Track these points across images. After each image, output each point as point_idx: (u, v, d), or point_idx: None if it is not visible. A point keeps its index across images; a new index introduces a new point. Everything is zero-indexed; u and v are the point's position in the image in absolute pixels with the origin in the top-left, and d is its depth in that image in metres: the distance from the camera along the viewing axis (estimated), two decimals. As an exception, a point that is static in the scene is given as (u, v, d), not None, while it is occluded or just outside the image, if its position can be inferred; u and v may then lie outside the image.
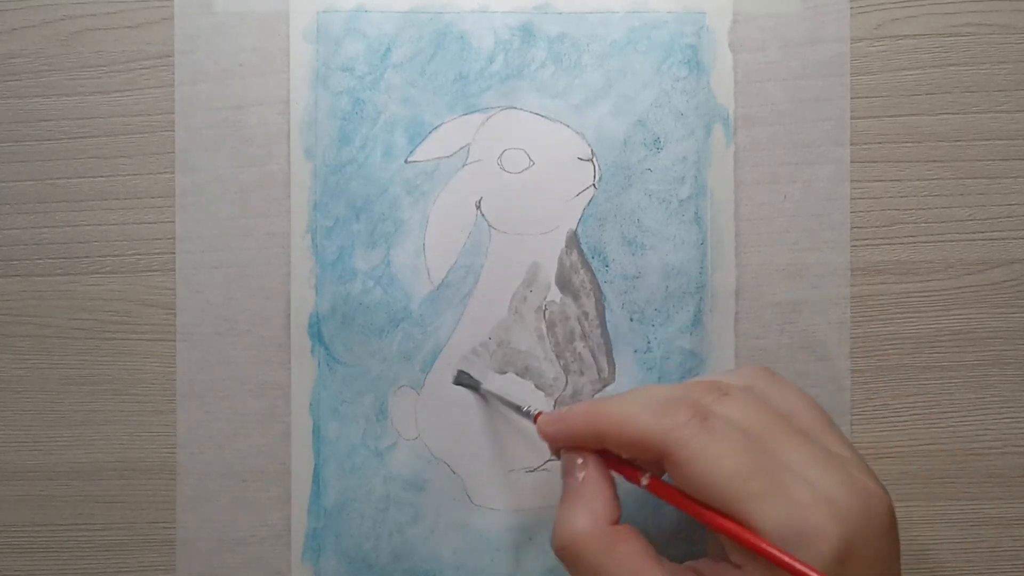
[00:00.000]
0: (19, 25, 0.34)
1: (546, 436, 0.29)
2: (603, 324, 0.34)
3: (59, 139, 0.34)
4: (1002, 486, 0.35)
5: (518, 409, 0.32)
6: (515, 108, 0.34)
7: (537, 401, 0.34)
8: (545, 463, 0.34)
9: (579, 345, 0.34)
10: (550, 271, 0.34)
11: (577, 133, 0.34)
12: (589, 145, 0.34)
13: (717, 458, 0.25)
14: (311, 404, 0.34)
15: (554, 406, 0.34)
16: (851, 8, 0.34)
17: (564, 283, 0.34)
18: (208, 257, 0.34)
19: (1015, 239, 0.35)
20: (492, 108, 0.34)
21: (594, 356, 0.34)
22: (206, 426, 0.34)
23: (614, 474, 0.28)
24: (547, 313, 0.34)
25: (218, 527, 0.34)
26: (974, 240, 0.35)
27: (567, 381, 0.34)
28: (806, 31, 0.34)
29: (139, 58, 0.34)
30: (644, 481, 0.28)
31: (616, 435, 0.27)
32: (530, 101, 0.34)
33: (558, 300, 0.34)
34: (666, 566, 0.27)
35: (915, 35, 0.34)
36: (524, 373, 0.34)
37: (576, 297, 0.34)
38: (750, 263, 0.34)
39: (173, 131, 0.34)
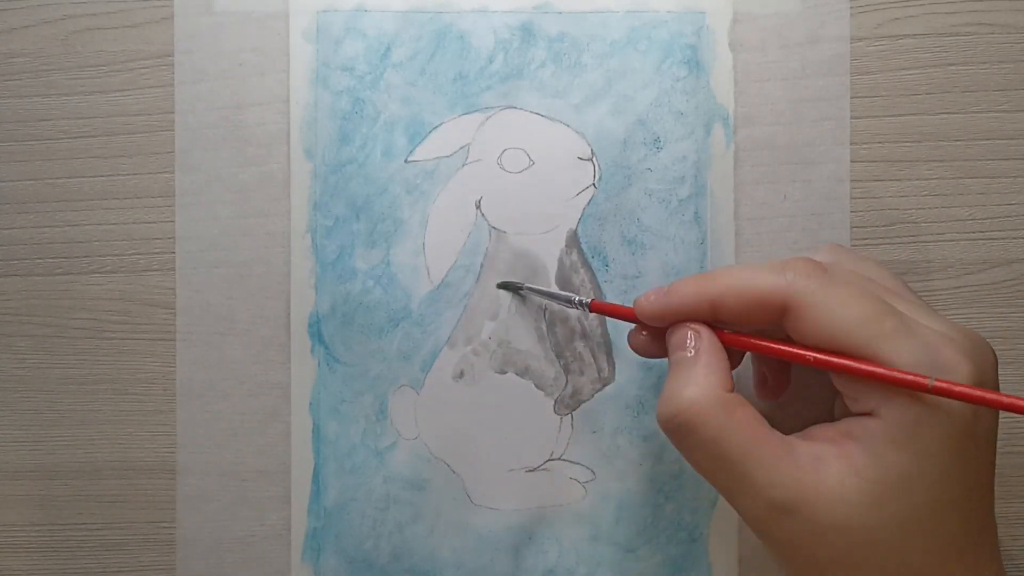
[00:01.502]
0: (19, 25, 0.34)
1: (649, 314, 0.28)
2: (603, 323, 0.34)
3: (59, 139, 0.34)
4: (1002, 486, 0.34)
5: (568, 301, 0.31)
6: (515, 108, 0.34)
7: (535, 402, 0.34)
8: (545, 463, 0.34)
9: (579, 345, 0.34)
10: (550, 271, 0.34)
11: (577, 133, 0.34)
12: (589, 145, 0.34)
13: (846, 302, 0.25)
14: (311, 404, 0.34)
15: (554, 406, 0.34)
16: (851, 8, 0.34)
17: (564, 283, 0.34)
18: (208, 257, 0.34)
19: (1015, 239, 0.35)
20: (492, 108, 0.34)
21: (594, 356, 0.34)
22: (206, 426, 0.34)
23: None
24: (547, 313, 0.34)
25: (218, 527, 0.34)
26: (974, 240, 0.35)
27: (567, 381, 0.34)
28: (806, 31, 0.34)
29: (139, 58, 0.34)
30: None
31: (735, 297, 0.26)
32: (530, 101, 0.34)
33: (558, 300, 0.34)
34: (780, 436, 0.26)
35: (915, 35, 0.34)
36: (524, 373, 0.34)
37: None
38: (750, 263, 0.34)
39: (173, 131, 0.34)
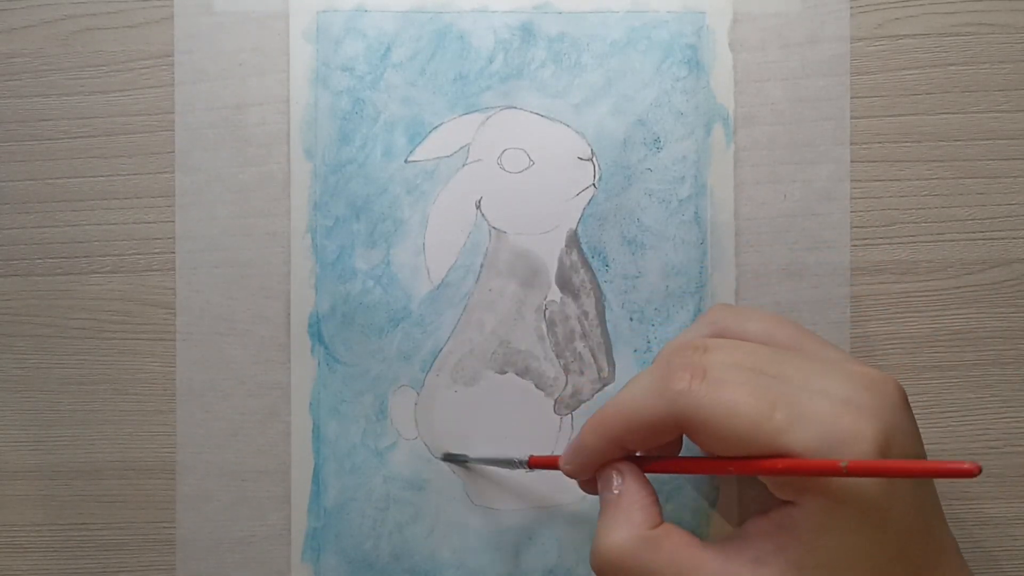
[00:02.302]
0: (19, 25, 0.34)
1: (573, 472, 0.29)
2: (603, 324, 0.34)
3: (59, 139, 0.34)
4: (1002, 486, 0.35)
5: (508, 463, 0.32)
6: (515, 108, 0.34)
7: (534, 402, 0.34)
8: (545, 463, 0.34)
9: (579, 345, 0.34)
10: (550, 271, 0.34)
11: (577, 133, 0.34)
12: (589, 145, 0.34)
13: (733, 406, 0.25)
14: (311, 404, 0.34)
15: (554, 406, 0.34)
16: (851, 8, 0.34)
17: (564, 283, 0.34)
18: (208, 257, 0.34)
19: (1015, 239, 0.35)
20: (492, 108, 0.34)
21: (594, 356, 0.34)
22: (206, 426, 0.34)
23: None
24: (547, 313, 0.34)
25: (218, 527, 0.34)
26: (974, 240, 0.35)
27: (567, 381, 0.34)
28: (806, 31, 0.34)
29: (139, 58, 0.34)
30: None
31: (628, 431, 0.26)
32: (530, 101, 0.34)
33: (558, 300, 0.34)
34: (715, 548, 0.26)
35: (915, 35, 0.34)
36: (524, 373, 0.34)
37: (576, 297, 0.34)
38: (750, 263, 0.34)
39: (173, 131, 0.34)
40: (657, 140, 0.34)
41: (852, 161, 0.34)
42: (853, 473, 0.23)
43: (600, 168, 0.34)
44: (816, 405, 0.25)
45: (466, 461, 0.33)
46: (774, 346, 0.27)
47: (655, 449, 0.29)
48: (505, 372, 0.34)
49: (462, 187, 0.34)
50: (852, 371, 0.26)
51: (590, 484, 0.29)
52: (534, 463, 0.31)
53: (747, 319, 0.29)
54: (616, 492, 0.27)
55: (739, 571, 0.25)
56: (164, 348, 0.34)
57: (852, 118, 0.34)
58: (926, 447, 0.26)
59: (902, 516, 0.25)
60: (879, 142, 0.34)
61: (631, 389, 0.27)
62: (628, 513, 0.26)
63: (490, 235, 0.34)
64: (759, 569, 0.25)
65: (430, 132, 0.34)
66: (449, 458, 0.34)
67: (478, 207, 0.34)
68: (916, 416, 0.27)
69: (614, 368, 0.34)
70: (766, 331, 0.28)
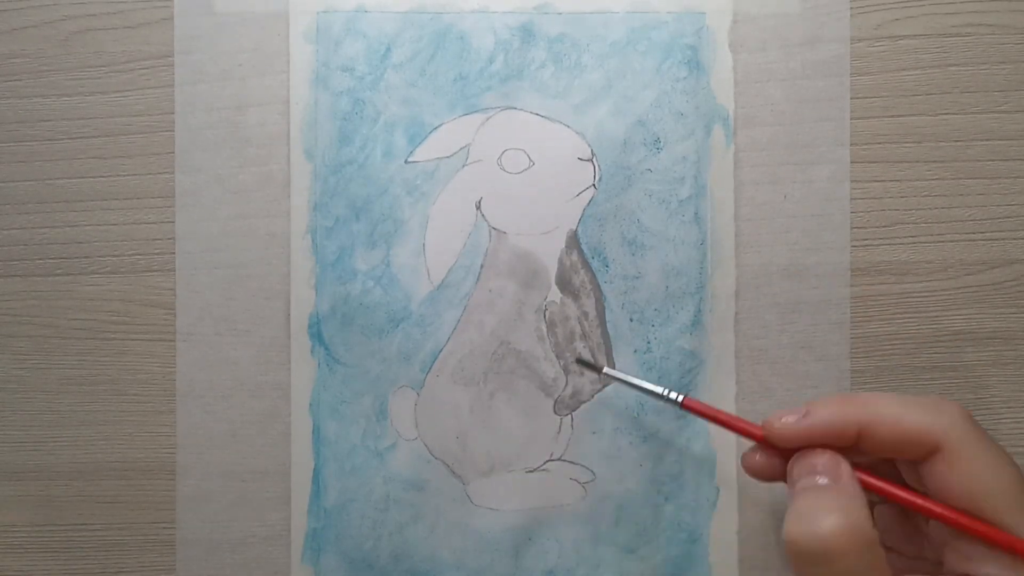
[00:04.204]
0: (19, 25, 0.34)
1: (783, 438, 0.27)
2: (603, 324, 0.34)
3: (59, 139, 0.34)
4: (1002, 486, 0.35)
5: (658, 396, 0.30)
6: (515, 108, 0.34)
7: (535, 402, 0.34)
8: (545, 464, 0.34)
9: (579, 345, 0.34)
10: (550, 271, 0.34)
11: (577, 133, 0.34)
12: (589, 145, 0.34)
13: (995, 464, 0.25)
14: (311, 404, 0.34)
15: (554, 406, 0.34)
16: (851, 8, 0.34)
17: (564, 283, 0.34)
18: (208, 257, 0.34)
19: (1015, 239, 0.35)
20: (492, 108, 0.34)
21: (594, 356, 0.34)
22: (206, 426, 0.34)
23: None
24: (547, 313, 0.34)
25: (218, 527, 0.34)
26: (974, 240, 0.35)
27: (567, 381, 0.34)
28: (806, 31, 0.34)
29: (139, 58, 0.34)
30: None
31: (887, 428, 0.26)
32: (530, 101, 0.34)
33: (558, 300, 0.34)
34: None
35: (915, 35, 0.34)
36: (524, 373, 0.34)
37: (576, 297, 0.34)
38: (750, 263, 0.34)
39: (173, 131, 0.34)
40: (657, 141, 0.34)
41: (852, 161, 0.34)
42: None
43: (600, 169, 0.34)
44: None
45: (602, 370, 0.32)
46: None
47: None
48: (505, 372, 0.34)
49: (462, 188, 0.34)
50: None
51: (768, 465, 0.28)
52: (689, 406, 0.29)
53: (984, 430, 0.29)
54: (825, 481, 0.26)
55: None
56: (164, 348, 0.34)
57: (852, 119, 0.34)
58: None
59: None
60: (879, 142, 0.34)
61: (894, 397, 0.26)
62: (854, 502, 0.25)
63: (490, 236, 0.34)
64: None
65: (430, 133, 0.34)
66: (582, 363, 0.33)
67: (478, 208, 0.34)
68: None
69: (614, 368, 0.34)
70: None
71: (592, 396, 0.34)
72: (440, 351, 0.34)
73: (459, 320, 0.34)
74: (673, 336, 0.34)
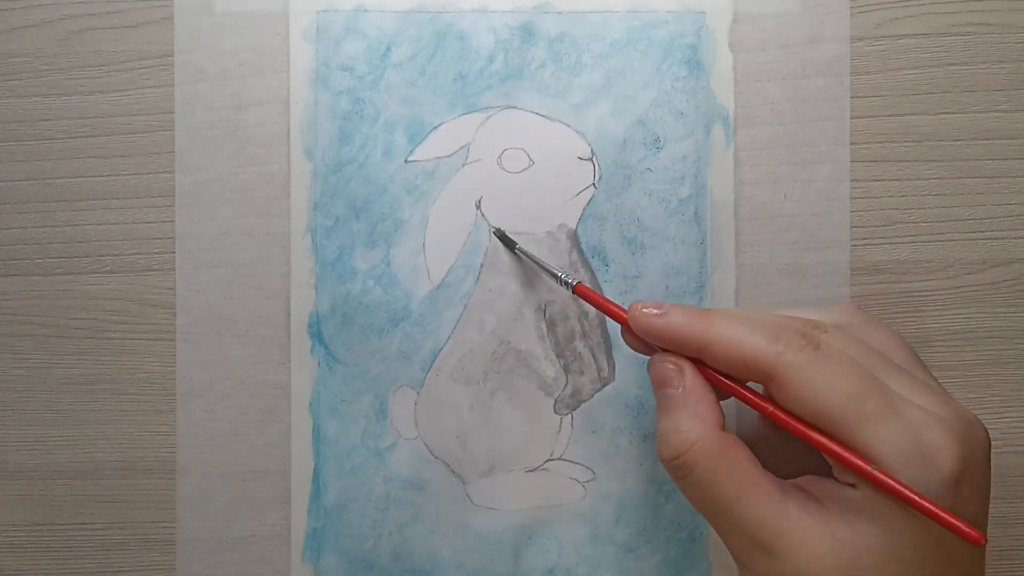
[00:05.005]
0: (19, 25, 0.34)
1: (639, 328, 0.28)
2: (603, 323, 0.34)
3: (59, 139, 0.34)
4: (1002, 486, 0.34)
5: (554, 276, 0.32)
6: (515, 108, 0.34)
7: (535, 402, 0.34)
8: (545, 463, 0.34)
9: (579, 344, 0.34)
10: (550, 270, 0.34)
11: (577, 133, 0.34)
12: (589, 145, 0.34)
13: (831, 381, 0.25)
14: (311, 404, 0.34)
15: (554, 406, 0.34)
16: (851, 8, 0.34)
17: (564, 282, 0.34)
18: (208, 257, 0.34)
19: (1015, 239, 0.35)
20: (492, 108, 0.34)
21: (594, 355, 0.34)
22: (206, 426, 0.34)
23: None
24: (547, 313, 0.34)
25: (218, 527, 0.34)
26: (974, 240, 0.35)
27: (567, 381, 0.34)
28: (806, 31, 0.34)
29: (139, 58, 0.34)
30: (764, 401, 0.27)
31: (723, 351, 0.27)
32: (530, 101, 0.34)
33: (558, 299, 0.34)
34: (771, 477, 0.27)
35: (915, 35, 0.34)
36: (524, 373, 0.34)
37: (576, 296, 0.34)
38: (750, 263, 0.34)
39: (173, 131, 0.34)
40: (657, 140, 0.34)
41: (852, 161, 0.34)
42: (875, 481, 0.25)
43: (600, 168, 0.34)
44: (910, 412, 0.25)
45: (515, 246, 0.33)
46: (889, 358, 0.28)
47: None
48: (505, 372, 0.34)
49: (462, 187, 0.34)
50: (951, 403, 0.27)
51: (639, 345, 0.29)
52: (580, 291, 0.30)
53: (871, 326, 0.29)
54: (679, 390, 0.27)
55: (785, 508, 0.26)
56: (164, 348, 0.34)
57: (852, 118, 0.34)
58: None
59: (952, 540, 0.25)
60: (879, 142, 0.34)
61: (743, 318, 0.27)
62: (698, 409, 0.27)
63: (490, 235, 0.34)
64: (803, 520, 0.26)
65: (430, 132, 0.34)
66: (500, 235, 0.33)
67: (478, 207, 0.34)
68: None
69: (614, 368, 0.34)
70: (885, 344, 0.29)
71: (592, 396, 0.34)
72: (440, 350, 0.34)
73: (459, 319, 0.34)
74: (673, 336, 0.34)
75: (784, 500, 0.26)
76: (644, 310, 0.28)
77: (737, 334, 0.27)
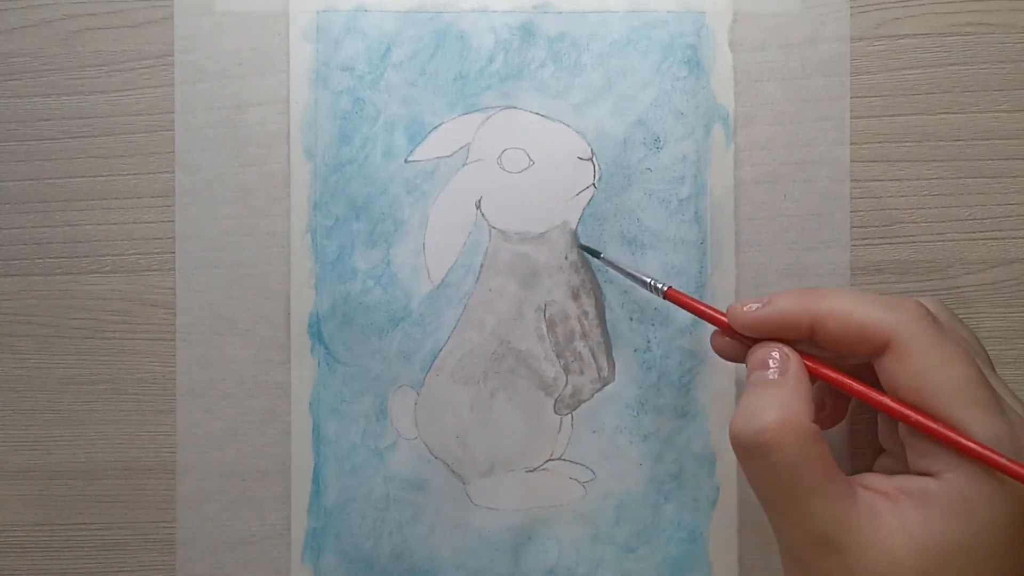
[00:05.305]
0: (19, 25, 0.34)
1: (744, 325, 0.28)
2: (603, 323, 0.34)
3: (59, 139, 0.34)
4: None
5: (643, 283, 0.31)
6: (515, 108, 0.34)
7: (535, 402, 0.34)
8: (545, 463, 0.34)
9: (579, 344, 0.34)
10: (550, 270, 0.34)
11: (577, 133, 0.34)
12: (589, 144, 0.34)
13: (950, 360, 0.25)
14: (311, 404, 0.34)
15: (554, 406, 0.34)
16: (851, 8, 0.34)
17: (564, 282, 0.34)
18: (208, 257, 0.34)
19: (1015, 239, 0.35)
20: (492, 108, 0.34)
21: (594, 355, 0.34)
22: (206, 426, 0.34)
23: None
24: (547, 313, 0.34)
25: (218, 527, 0.34)
26: (974, 240, 0.35)
27: (567, 381, 0.34)
28: (806, 31, 0.34)
29: (139, 58, 0.34)
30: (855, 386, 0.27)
31: (838, 321, 0.26)
32: (530, 101, 0.34)
33: (558, 299, 0.34)
34: (844, 476, 0.26)
35: (915, 35, 0.34)
36: (524, 373, 0.34)
37: (576, 296, 0.34)
38: (750, 263, 0.34)
39: (173, 131, 0.34)
40: (657, 140, 0.34)
41: (852, 161, 0.34)
42: (1010, 473, 0.24)
43: (600, 168, 0.34)
44: (1009, 411, 0.25)
45: (600, 255, 0.33)
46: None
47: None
48: (505, 372, 0.34)
49: (462, 187, 0.34)
50: None
51: (734, 348, 0.29)
52: (672, 297, 0.30)
53: (956, 324, 0.29)
54: (776, 374, 0.27)
55: (857, 507, 0.25)
56: (164, 348, 0.34)
57: (852, 118, 0.34)
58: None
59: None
60: (879, 142, 0.34)
61: (852, 292, 0.27)
62: (794, 397, 0.26)
63: (490, 235, 0.34)
64: (874, 518, 0.25)
65: (430, 132, 0.34)
66: (585, 248, 0.33)
67: (478, 207, 0.34)
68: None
69: (614, 368, 0.34)
70: (972, 344, 0.29)
71: (592, 396, 0.34)
72: (440, 350, 0.34)
73: (459, 319, 0.34)
74: (673, 335, 0.34)
75: (855, 497, 0.26)
76: (746, 308, 0.28)
77: (851, 305, 0.26)
